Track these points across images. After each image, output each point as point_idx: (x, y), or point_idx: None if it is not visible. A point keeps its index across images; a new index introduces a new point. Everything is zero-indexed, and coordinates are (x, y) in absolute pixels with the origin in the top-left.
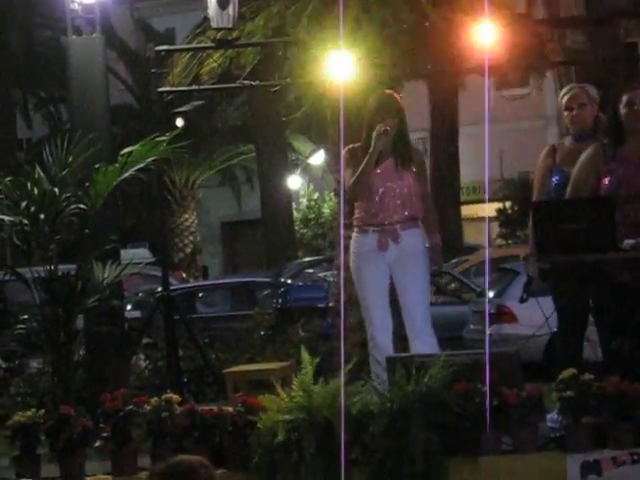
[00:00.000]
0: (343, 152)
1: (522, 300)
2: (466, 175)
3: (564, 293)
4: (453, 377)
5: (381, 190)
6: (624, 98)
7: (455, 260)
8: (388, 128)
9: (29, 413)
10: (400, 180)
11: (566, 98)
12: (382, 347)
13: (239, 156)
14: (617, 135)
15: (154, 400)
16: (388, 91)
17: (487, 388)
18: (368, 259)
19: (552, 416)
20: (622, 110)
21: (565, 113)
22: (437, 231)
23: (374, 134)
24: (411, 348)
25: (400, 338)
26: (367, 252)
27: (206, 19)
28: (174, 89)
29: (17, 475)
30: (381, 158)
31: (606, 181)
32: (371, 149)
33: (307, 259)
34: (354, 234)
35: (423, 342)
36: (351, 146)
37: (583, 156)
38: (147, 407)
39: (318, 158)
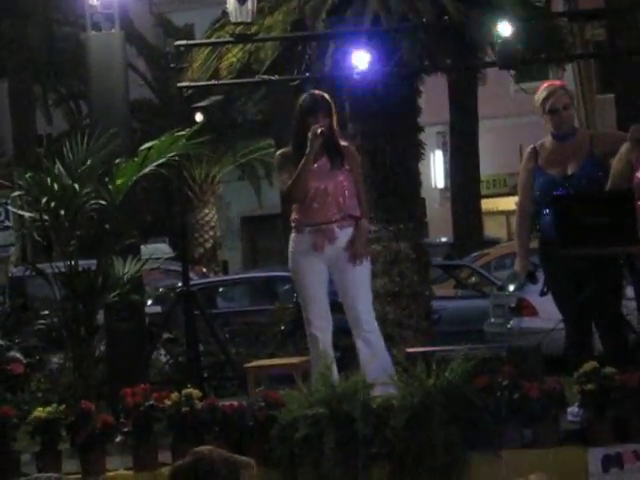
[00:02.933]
0: (276, 157)
1: (542, 293)
2: (486, 168)
3: (562, 290)
4: (474, 371)
5: (315, 190)
6: None
7: (476, 254)
8: (323, 129)
9: (50, 409)
10: (334, 179)
11: (551, 101)
12: (322, 345)
13: (259, 151)
14: None
15: (175, 395)
16: (318, 91)
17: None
18: (305, 259)
19: (573, 410)
20: None
21: (548, 116)
22: (365, 217)
23: (309, 135)
24: (356, 344)
25: (342, 332)
26: (304, 251)
27: (225, 14)
28: (193, 84)
29: (38, 470)
30: (313, 158)
31: (639, 174)
32: (308, 150)
33: None
34: (292, 234)
35: (368, 338)
36: (282, 150)
37: (622, 149)
38: (168, 402)
39: None
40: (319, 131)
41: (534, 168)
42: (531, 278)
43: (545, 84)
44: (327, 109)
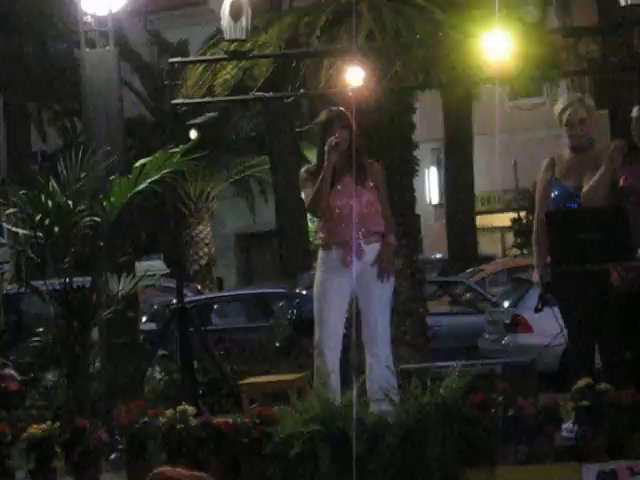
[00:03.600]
0: (301, 173)
1: (537, 310)
2: (480, 185)
3: (569, 304)
4: (469, 387)
5: (341, 209)
6: (635, 109)
7: (470, 270)
8: (339, 140)
9: (44, 426)
10: (359, 197)
11: (567, 114)
12: (329, 364)
13: (253, 167)
14: (630, 145)
15: (169, 412)
16: (335, 107)
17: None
18: (333, 275)
19: (567, 426)
20: (633, 122)
21: (565, 128)
22: (392, 233)
23: (326, 148)
24: (367, 359)
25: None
26: (332, 268)
27: (219, 31)
28: (188, 101)
29: None
30: (338, 175)
31: (621, 180)
32: (325, 163)
33: None
34: (319, 251)
35: (380, 355)
36: (307, 166)
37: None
38: (162, 419)
39: None
40: (334, 142)
41: (551, 179)
42: (549, 289)
43: (564, 96)
44: (344, 124)
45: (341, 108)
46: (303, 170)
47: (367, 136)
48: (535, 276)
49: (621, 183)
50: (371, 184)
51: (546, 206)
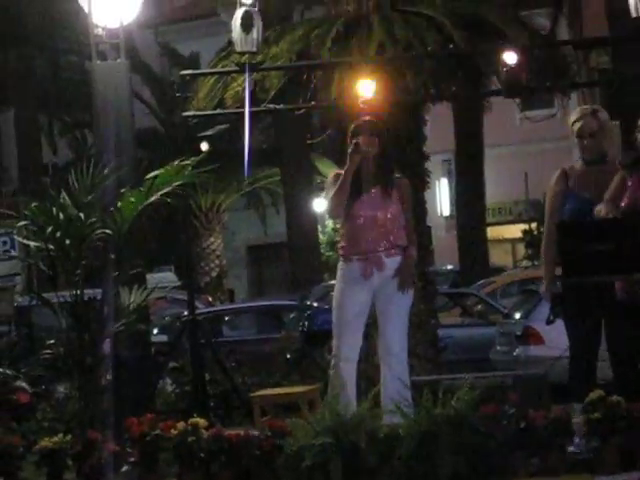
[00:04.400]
0: (329, 177)
1: (549, 322)
2: (491, 196)
3: (577, 315)
4: (480, 399)
5: (365, 219)
6: None
7: (481, 281)
8: (359, 142)
9: (56, 438)
10: (384, 209)
11: (577, 127)
12: (346, 375)
13: (264, 179)
14: (634, 158)
15: (181, 424)
16: (368, 116)
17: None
18: (353, 286)
19: (574, 440)
20: (637, 135)
21: (576, 140)
22: (413, 246)
23: (349, 150)
24: (382, 371)
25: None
26: (352, 279)
27: (230, 43)
28: (199, 113)
29: None
30: (366, 185)
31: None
32: (346, 166)
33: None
34: (340, 262)
35: (395, 368)
36: (337, 171)
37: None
38: (174, 432)
39: None
40: (354, 144)
41: (564, 190)
42: (557, 301)
43: (579, 108)
44: (373, 131)
45: (370, 117)
46: (332, 175)
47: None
48: (543, 288)
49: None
50: (397, 197)
51: (557, 218)
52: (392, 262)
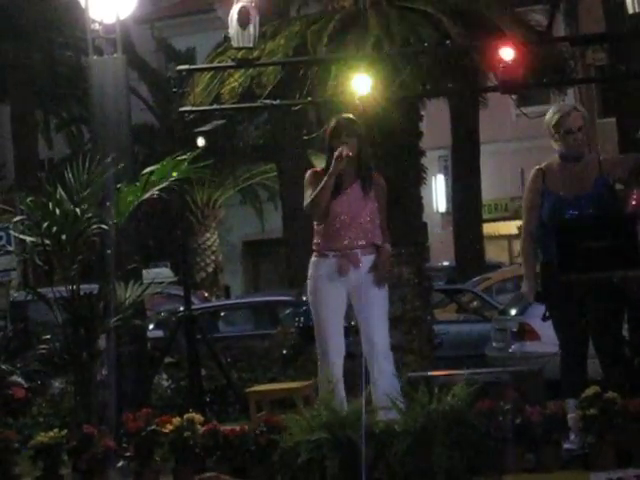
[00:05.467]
0: (307, 175)
1: (545, 318)
2: (487, 193)
3: (562, 313)
4: (476, 395)
5: (344, 215)
6: None
7: (477, 278)
8: (345, 152)
9: (52, 433)
10: (364, 206)
11: (568, 121)
12: (333, 373)
13: (261, 175)
14: None
15: (176, 420)
16: (347, 115)
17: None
18: (327, 283)
19: (570, 436)
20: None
21: (562, 136)
22: (388, 243)
23: (335, 155)
24: (371, 370)
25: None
26: (326, 276)
27: (227, 38)
28: (195, 109)
29: None
30: (345, 183)
31: (633, 199)
32: (330, 170)
33: None
34: (313, 258)
35: (383, 363)
36: (314, 169)
37: None
38: (169, 427)
39: None
40: (344, 153)
41: (541, 189)
42: (539, 299)
43: (555, 105)
44: (352, 132)
45: (351, 116)
46: (310, 171)
47: (375, 144)
48: (524, 287)
49: (633, 203)
50: (374, 195)
51: (535, 216)
52: (368, 260)
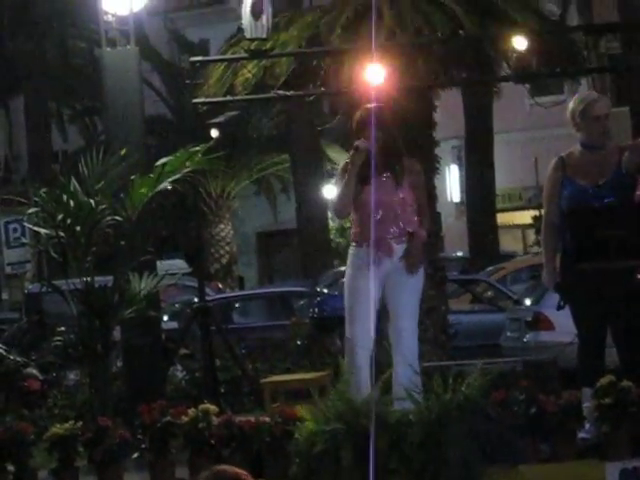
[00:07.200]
0: (340, 166)
1: (559, 307)
2: (501, 182)
3: (580, 303)
4: (490, 385)
5: (377, 204)
6: None
7: (491, 268)
8: (359, 144)
9: (67, 425)
10: (395, 195)
11: (596, 107)
12: (359, 361)
13: (274, 166)
14: None
15: (191, 411)
16: (372, 105)
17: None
18: (360, 272)
19: (585, 425)
20: None
21: (583, 122)
22: (425, 228)
23: (351, 150)
24: (394, 357)
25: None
26: (360, 265)
27: (240, 30)
28: (209, 100)
29: None
30: (377, 172)
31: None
32: (349, 167)
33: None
34: (350, 247)
35: (407, 354)
36: (347, 160)
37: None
38: (184, 418)
39: None
40: (361, 146)
41: (562, 178)
42: (559, 289)
43: (580, 94)
44: (379, 122)
45: (376, 106)
46: (342, 164)
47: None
48: (544, 277)
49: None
50: (408, 182)
51: (555, 206)
52: (401, 249)
